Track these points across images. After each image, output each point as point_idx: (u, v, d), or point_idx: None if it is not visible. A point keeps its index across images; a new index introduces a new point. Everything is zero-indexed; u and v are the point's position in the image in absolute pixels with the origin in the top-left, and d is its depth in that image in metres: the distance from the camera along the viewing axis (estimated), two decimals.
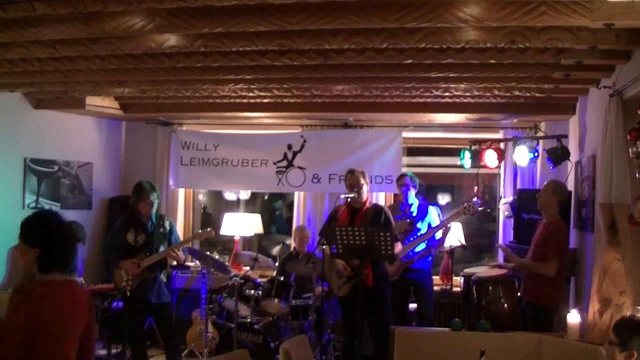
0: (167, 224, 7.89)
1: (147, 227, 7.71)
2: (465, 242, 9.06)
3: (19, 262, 4.05)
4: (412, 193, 8.51)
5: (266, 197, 12.23)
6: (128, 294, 7.57)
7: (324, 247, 7.33)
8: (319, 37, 5.57)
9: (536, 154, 8.44)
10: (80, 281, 8.84)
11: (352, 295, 7.37)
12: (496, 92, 7.70)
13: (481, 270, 7.67)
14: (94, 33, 5.58)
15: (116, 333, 8.91)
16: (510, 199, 8.99)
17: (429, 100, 8.44)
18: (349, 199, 7.56)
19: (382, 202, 9.77)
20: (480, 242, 10.76)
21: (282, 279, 8.27)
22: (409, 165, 10.31)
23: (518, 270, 7.30)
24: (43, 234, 3.94)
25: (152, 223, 7.75)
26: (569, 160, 7.68)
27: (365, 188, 7.55)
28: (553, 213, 7.08)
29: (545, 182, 7.37)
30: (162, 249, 7.69)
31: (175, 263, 7.92)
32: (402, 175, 8.64)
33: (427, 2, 4.94)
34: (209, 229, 7.92)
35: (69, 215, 9.11)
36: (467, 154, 8.75)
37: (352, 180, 7.53)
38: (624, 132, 5.74)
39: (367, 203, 7.64)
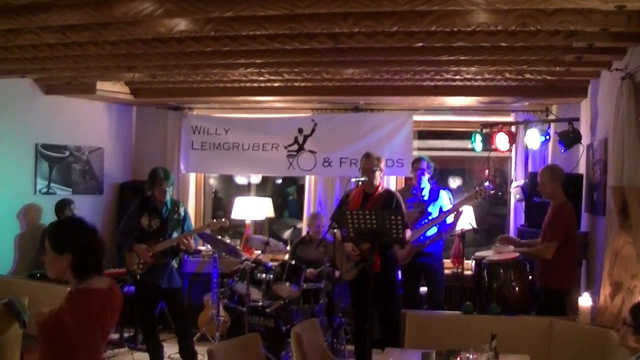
0: (181, 210, 7.92)
1: (162, 213, 7.75)
2: (477, 225, 9.05)
3: (48, 270, 3.92)
4: (425, 177, 8.51)
5: (279, 182, 12.24)
6: (138, 277, 7.62)
7: (335, 230, 7.36)
8: (329, 20, 5.54)
9: (547, 137, 8.41)
10: None
11: (360, 279, 7.40)
12: (507, 75, 7.67)
13: (492, 254, 7.66)
14: (103, 18, 5.57)
15: (128, 317, 8.97)
16: (521, 182, 8.97)
17: (439, 83, 8.40)
18: (360, 183, 7.57)
19: (393, 186, 9.76)
20: (491, 226, 10.74)
21: (293, 262, 8.28)
22: (419, 149, 10.28)
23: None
24: (74, 239, 3.80)
25: (166, 209, 7.78)
26: (581, 143, 7.66)
27: (378, 173, 7.55)
28: (557, 197, 7.07)
29: (540, 172, 7.34)
30: (175, 235, 7.73)
31: (183, 249, 7.92)
32: (419, 159, 8.63)
33: None
34: (223, 219, 7.91)
35: (80, 200, 9.28)
36: (478, 137, 8.72)
37: (366, 164, 7.53)
38: (636, 115, 5.72)
39: (380, 188, 7.64)
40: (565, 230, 6.89)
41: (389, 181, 9.88)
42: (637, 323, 4.35)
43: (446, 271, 8.93)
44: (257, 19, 5.56)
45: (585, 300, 6.20)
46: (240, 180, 11.89)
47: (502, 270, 7.20)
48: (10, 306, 5.93)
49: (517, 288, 7.13)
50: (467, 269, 8.61)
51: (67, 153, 9.70)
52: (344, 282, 8.11)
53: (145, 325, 7.96)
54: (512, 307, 6.92)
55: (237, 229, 11.25)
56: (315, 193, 10.22)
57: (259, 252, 8.66)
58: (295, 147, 10.13)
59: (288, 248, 9.40)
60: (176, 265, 7.89)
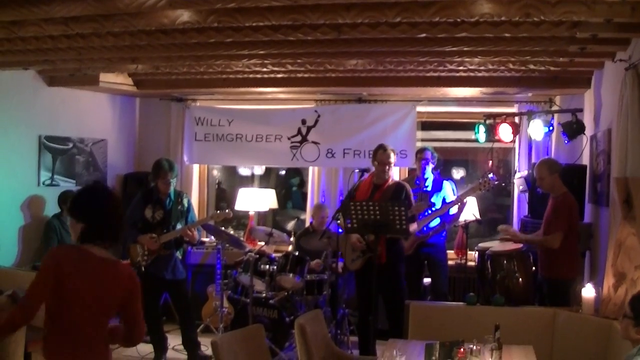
0: (185, 201, 7.95)
1: (165, 204, 7.77)
2: (480, 216, 9.04)
3: (71, 233, 4.12)
4: (429, 168, 8.51)
5: (283, 173, 12.25)
6: (143, 269, 7.63)
7: (338, 221, 7.37)
8: (332, 11, 5.54)
9: (551, 128, 8.39)
10: None
11: (365, 269, 7.40)
12: (511, 66, 7.66)
13: (496, 245, 7.66)
14: (106, 10, 5.57)
15: None
16: (525, 173, 8.95)
17: (443, 74, 8.39)
18: (364, 174, 7.60)
19: (396, 177, 9.75)
20: (494, 217, 10.74)
21: (296, 253, 8.29)
22: (423, 140, 10.28)
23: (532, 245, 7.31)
24: (89, 210, 3.97)
25: (170, 200, 7.80)
26: (584, 134, 7.64)
27: (392, 165, 7.58)
28: (557, 188, 7.07)
29: (536, 166, 7.33)
30: (179, 226, 7.76)
31: (187, 240, 7.96)
32: (423, 149, 8.63)
33: None
34: (227, 211, 7.93)
35: None
36: (482, 128, 8.70)
37: (384, 157, 7.52)
38: None
39: (390, 180, 7.64)
40: (569, 220, 6.90)
41: (392, 172, 9.87)
42: (636, 314, 4.34)
43: (450, 262, 8.93)
44: (260, 10, 5.56)
45: (588, 291, 6.20)
46: (244, 171, 11.91)
47: (505, 261, 7.19)
48: (15, 298, 5.94)
49: (520, 279, 7.12)
50: (471, 260, 8.61)
51: (71, 145, 9.71)
52: (348, 273, 8.12)
53: (149, 317, 7.88)
54: (516, 298, 6.91)
55: (240, 220, 11.27)
56: (318, 184, 10.22)
57: (263, 243, 8.66)
58: (299, 138, 10.12)
59: (292, 239, 9.41)
60: (180, 257, 7.92)
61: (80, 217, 3.96)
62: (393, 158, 7.56)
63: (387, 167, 7.53)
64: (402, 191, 7.54)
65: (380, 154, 7.57)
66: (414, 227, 7.39)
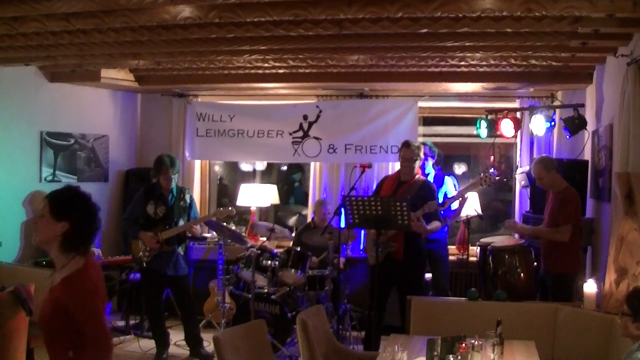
0: (187, 197, 7.96)
1: (167, 200, 7.78)
2: (482, 211, 9.04)
3: (37, 234, 3.79)
4: (429, 163, 8.50)
5: (284, 168, 12.24)
6: (144, 264, 7.64)
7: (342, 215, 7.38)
8: (334, 7, 5.54)
9: (553, 123, 8.38)
10: (98, 253, 8.97)
11: (381, 265, 7.37)
12: (512, 61, 7.64)
13: (497, 240, 7.66)
14: (107, 6, 5.57)
15: (134, 304, 9.01)
16: (526, 168, 8.94)
17: (444, 69, 8.39)
18: (365, 170, 7.59)
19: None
20: (496, 212, 10.74)
21: (298, 249, 8.28)
22: (424, 135, 10.27)
23: (534, 240, 7.30)
24: (75, 209, 3.73)
25: (172, 196, 7.80)
26: (586, 129, 7.63)
27: (417, 162, 7.52)
28: (558, 184, 7.07)
29: (532, 167, 7.32)
30: (181, 222, 7.77)
31: (189, 235, 7.99)
32: (421, 145, 8.62)
33: None
34: (230, 208, 7.93)
35: (86, 188, 9.27)
36: (483, 124, 8.69)
37: (406, 153, 7.45)
38: None
39: (416, 176, 7.58)
40: (576, 213, 6.90)
41: (394, 167, 9.86)
42: (634, 311, 4.35)
43: (451, 257, 8.94)
44: (262, 5, 5.56)
45: (590, 287, 6.20)
46: (245, 167, 11.90)
47: (507, 257, 7.20)
48: (17, 294, 5.94)
49: (522, 274, 7.13)
50: (472, 256, 8.61)
51: (72, 141, 9.71)
52: (351, 269, 8.12)
53: (151, 313, 7.99)
54: (517, 293, 6.92)
55: (242, 215, 11.26)
56: (320, 180, 10.21)
57: (265, 238, 8.66)
58: (300, 133, 10.11)
59: (293, 235, 9.41)
60: (182, 253, 7.92)
61: (68, 214, 3.68)
62: (417, 155, 7.45)
63: (412, 164, 7.46)
64: (426, 189, 7.47)
65: (403, 151, 7.49)
66: (436, 224, 7.33)
